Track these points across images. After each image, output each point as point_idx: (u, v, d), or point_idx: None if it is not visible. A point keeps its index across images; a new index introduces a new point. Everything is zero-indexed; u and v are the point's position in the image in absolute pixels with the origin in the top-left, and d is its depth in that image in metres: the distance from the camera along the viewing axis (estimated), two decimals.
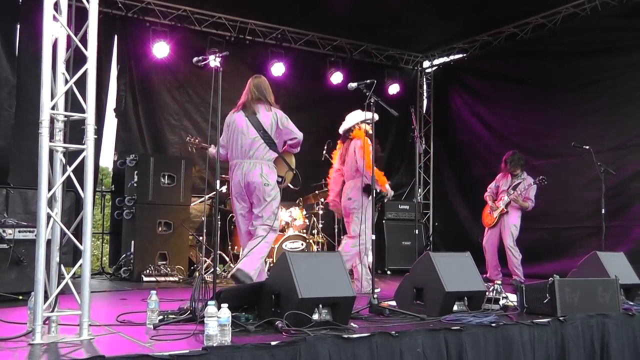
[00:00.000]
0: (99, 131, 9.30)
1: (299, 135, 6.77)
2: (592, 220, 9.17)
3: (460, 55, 12.80)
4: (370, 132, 7.54)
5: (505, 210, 9.34)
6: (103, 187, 10.24)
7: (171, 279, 8.65)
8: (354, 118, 7.99)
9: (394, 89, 12.50)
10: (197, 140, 7.59)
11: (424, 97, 13.56)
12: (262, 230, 6.41)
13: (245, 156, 6.47)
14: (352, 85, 6.05)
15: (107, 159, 11.01)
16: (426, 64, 13.50)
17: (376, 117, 6.86)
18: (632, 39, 9.54)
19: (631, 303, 5.78)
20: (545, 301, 5.14)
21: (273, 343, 3.68)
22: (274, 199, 6.49)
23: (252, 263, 6.22)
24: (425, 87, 13.57)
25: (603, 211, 8.35)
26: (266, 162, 6.52)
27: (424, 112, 13.45)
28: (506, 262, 9.33)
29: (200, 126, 10.60)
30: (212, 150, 6.75)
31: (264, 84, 6.93)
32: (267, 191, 6.41)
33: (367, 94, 5.96)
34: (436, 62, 13.36)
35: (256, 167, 6.43)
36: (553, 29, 10.72)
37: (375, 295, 5.35)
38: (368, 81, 5.97)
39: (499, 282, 5.71)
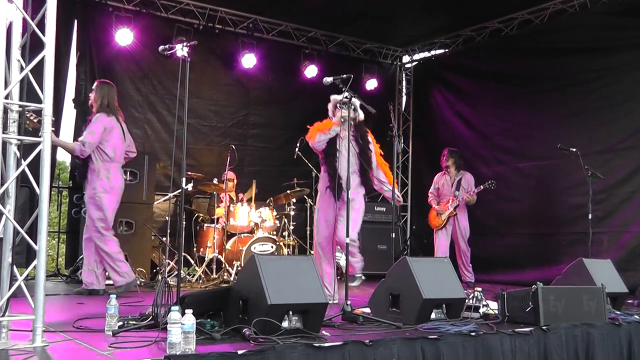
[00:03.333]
0: (56, 123, 9.22)
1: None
2: (578, 225, 9.24)
3: (441, 51, 12.86)
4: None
5: (455, 212, 9.85)
6: (60, 182, 10.13)
7: None
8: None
9: (371, 84, 12.51)
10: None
11: (403, 94, 13.62)
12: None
13: (121, 161, 7.40)
14: (328, 79, 6.03)
15: (65, 153, 10.88)
16: (406, 58, 13.55)
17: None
18: (621, 39, 9.62)
19: (618, 312, 5.84)
20: (527, 310, 5.17)
21: (240, 352, 3.65)
22: None
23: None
24: (404, 83, 13.62)
25: (590, 216, 8.44)
26: None
27: (403, 109, 13.50)
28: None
29: (165, 119, 10.55)
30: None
31: None
32: None
33: (344, 89, 5.95)
34: (416, 57, 13.41)
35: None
36: (540, 26, 10.78)
37: (348, 302, 5.34)
38: (344, 76, 5.96)
39: (480, 289, 5.73)
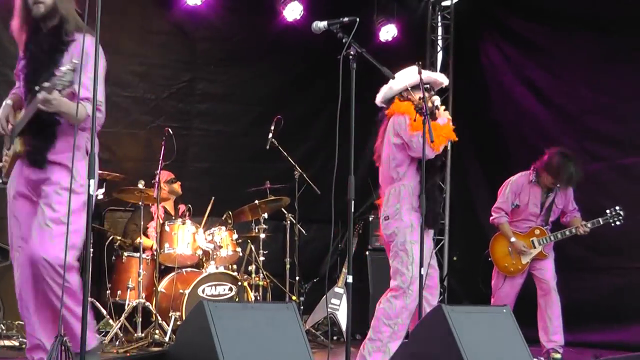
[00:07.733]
0: None
1: None
2: None
3: None
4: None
5: (546, 254, 9.21)
6: None
7: (7, 342, 8.60)
8: (402, 80, 7.38)
9: (388, 33, 12.55)
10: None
11: (439, 49, 13.65)
12: None
13: None
14: (320, 25, 6.04)
15: None
16: None
17: (444, 80, 7.32)
18: None
19: None
20: None
21: None
22: None
23: None
24: (440, 31, 13.67)
25: None
26: None
27: (438, 72, 13.51)
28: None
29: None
30: None
31: None
32: None
33: (345, 40, 5.97)
34: None
35: None
36: None
37: None
38: (346, 19, 5.98)
39: (559, 355, 5.78)
